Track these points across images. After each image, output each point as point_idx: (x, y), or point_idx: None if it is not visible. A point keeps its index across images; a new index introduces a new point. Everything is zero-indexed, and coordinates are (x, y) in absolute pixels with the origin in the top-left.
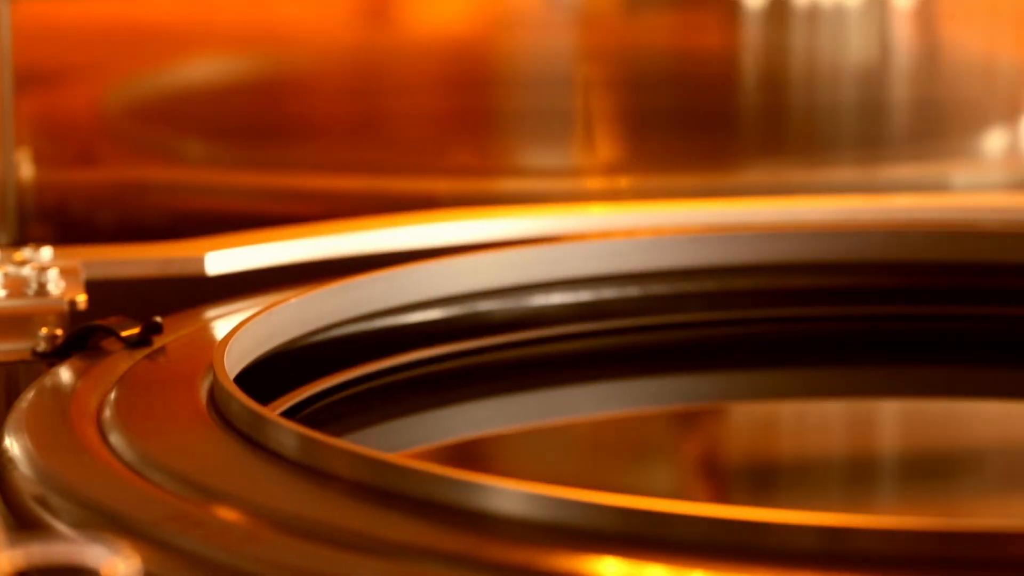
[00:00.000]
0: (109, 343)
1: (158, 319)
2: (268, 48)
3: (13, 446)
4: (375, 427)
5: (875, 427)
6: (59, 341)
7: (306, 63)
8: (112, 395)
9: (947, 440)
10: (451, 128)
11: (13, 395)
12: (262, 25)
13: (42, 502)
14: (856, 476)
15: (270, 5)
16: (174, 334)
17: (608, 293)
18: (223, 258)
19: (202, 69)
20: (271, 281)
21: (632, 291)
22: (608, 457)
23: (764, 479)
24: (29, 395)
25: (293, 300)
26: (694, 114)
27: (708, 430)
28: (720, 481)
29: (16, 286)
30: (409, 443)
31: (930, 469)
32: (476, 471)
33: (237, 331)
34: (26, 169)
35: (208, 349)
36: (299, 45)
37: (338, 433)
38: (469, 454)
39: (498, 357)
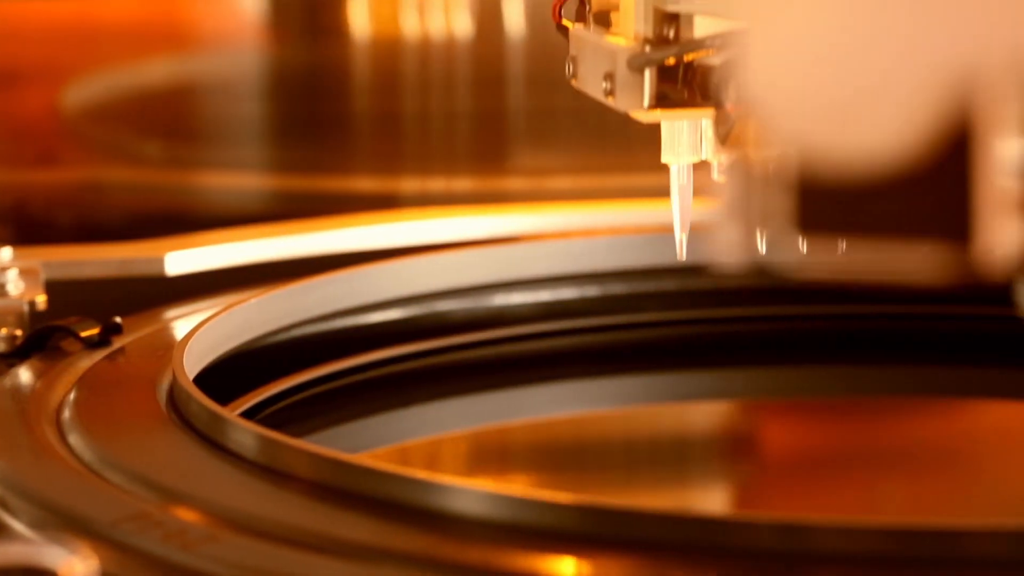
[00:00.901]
0: (68, 344)
1: (117, 319)
2: (226, 48)
3: None
4: (336, 427)
5: (836, 424)
6: (18, 341)
7: (265, 64)
8: (71, 396)
9: (914, 437)
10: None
11: None
12: (221, 25)
13: (0, 502)
14: (819, 473)
15: (233, 6)
16: (134, 334)
17: (568, 293)
18: (183, 258)
19: (161, 69)
20: (231, 281)
21: (591, 291)
22: (567, 457)
23: (725, 476)
24: None
25: (253, 300)
26: None
27: (668, 429)
28: (680, 479)
29: None
30: (370, 443)
31: (893, 466)
32: (436, 471)
33: (196, 331)
34: None
35: (168, 350)
36: (258, 46)
37: (298, 433)
38: (430, 454)
39: (458, 357)
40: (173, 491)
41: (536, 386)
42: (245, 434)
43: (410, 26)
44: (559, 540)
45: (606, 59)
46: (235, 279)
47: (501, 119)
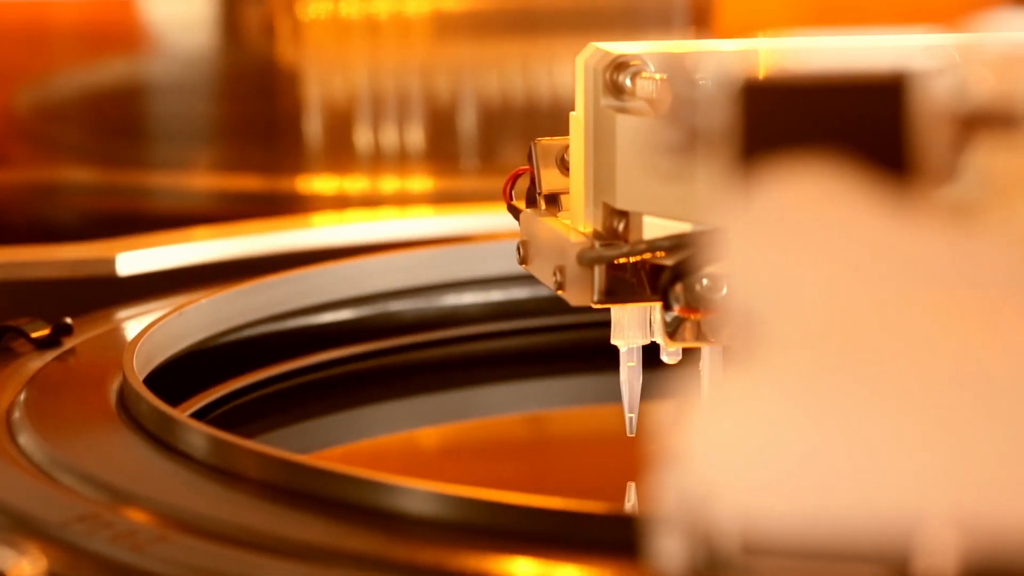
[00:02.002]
0: (19, 344)
1: (68, 320)
2: (181, 49)
3: None
4: (287, 428)
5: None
6: None
7: (222, 65)
8: (21, 396)
9: None
10: None
11: None
12: (176, 26)
13: None
14: None
15: (188, 6)
16: (84, 335)
17: (519, 293)
18: (134, 259)
19: (114, 70)
20: (182, 282)
21: (543, 290)
22: (519, 457)
23: None
24: None
25: (204, 301)
26: None
27: (620, 429)
28: (634, 479)
29: None
30: (321, 444)
31: None
32: (388, 471)
33: (147, 332)
34: None
35: (118, 350)
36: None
37: (250, 434)
38: (381, 454)
39: (409, 357)
40: (123, 492)
41: (488, 386)
42: (195, 435)
43: (359, 23)
44: (510, 540)
45: (556, 252)
46: (186, 279)
47: (453, 119)
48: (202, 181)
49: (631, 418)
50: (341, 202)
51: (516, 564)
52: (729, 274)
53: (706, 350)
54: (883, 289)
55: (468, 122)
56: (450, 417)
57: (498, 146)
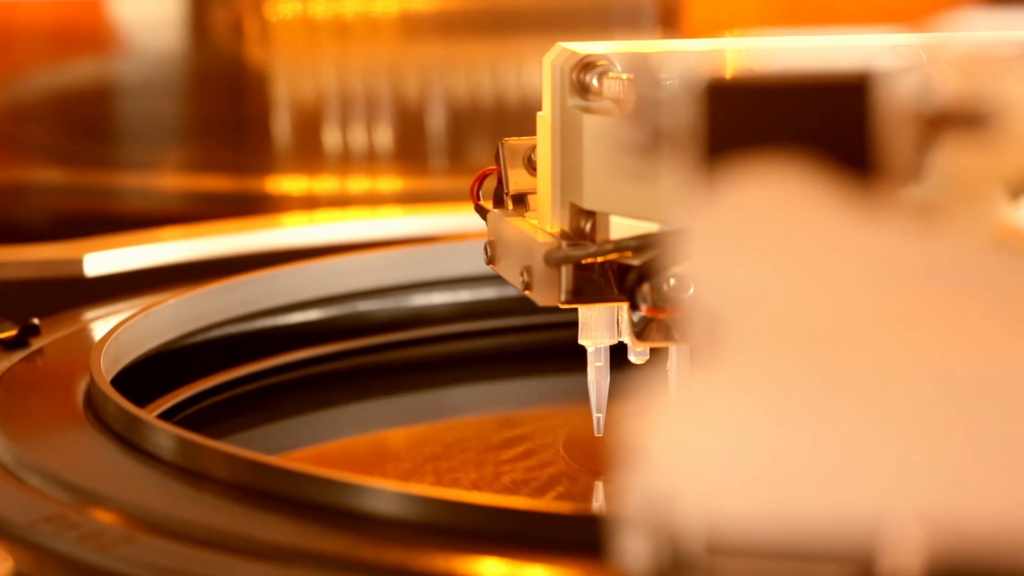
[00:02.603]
0: None
1: (35, 321)
2: (149, 49)
3: None
4: (256, 428)
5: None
6: None
7: (190, 65)
8: None
9: None
10: None
11: None
12: (145, 26)
13: None
14: None
15: (156, 6)
16: (52, 336)
17: (488, 293)
18: (102, 259)
19: (82, 70)
20: (150, 282)
21: (511, 291)
22: (487, 457)
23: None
24: None
25: (171, 301)
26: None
27: (588, 428)
28: (604, 479)
29: None
30: (291, 444)
31: None
32: (356, 472)
33: (114, 332)
34: None
35: (86, 351)
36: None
37: (219, 434)
38: (350, 455)
39: (378, 358)
40: (90, 492)
41: (456, 386)
42: (162, 435)
43: (327, 23)
44: (478, 541)
45: (524, 252)
46: (154, 280)
47: (421, 120)
48: (171, 181)
49: (599, 418)
50: (310, 202)
51: (483, 564)
52: (693, 274)
53: (673, 350)
54: (848, 289)
55: (437, 122)
56: (419, 417)
57: (467, 146)
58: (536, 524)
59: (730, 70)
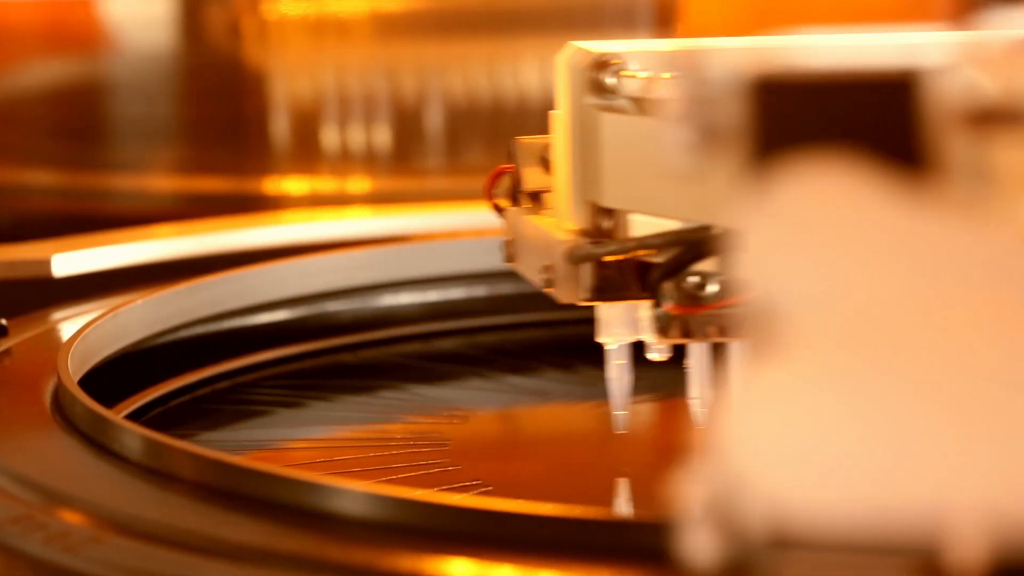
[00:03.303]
0: None
1: (3, 322)
2: (117, 49)
3: None
4: (224, 428)
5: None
6: None
7: (155, 65)
8: None
9: None
10: None
11: None
12: (112, 26)
13: None
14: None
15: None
16: (19, 336)
17: (456, 293)
18: (69, 260)
19: (48, 70)
20: (119, 282)
21: (480, 291)
22: (454, 456)
23: (613, 476)
24: None
25: (139, 302)
26: None
27: (555, 428)
28: (567, 479)
29: None
30: (258, 444)
31: None
32: (325, 472)
33: (82, 333)
34: None
35: (54, 352)
36: (148, 47)
37: (187, 435)
38: (317, 455)
39: (347, 358)
40: (57, 493)
41: (424, 386)
42: (129, 436)
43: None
44: (445, 541)
45: (544, 251)
46: (122, 280)
47: (418, 119)
48: (164, 183)
49: (619, 415)
50: (307, 203)
51: (451, 565)
52: (750, 270)
53: (694, 347)
54: (908, 282)
55: (434, 122)
56: (386, 417)
57: (464, 146)
58: (504, 524)
59: (777, 67)
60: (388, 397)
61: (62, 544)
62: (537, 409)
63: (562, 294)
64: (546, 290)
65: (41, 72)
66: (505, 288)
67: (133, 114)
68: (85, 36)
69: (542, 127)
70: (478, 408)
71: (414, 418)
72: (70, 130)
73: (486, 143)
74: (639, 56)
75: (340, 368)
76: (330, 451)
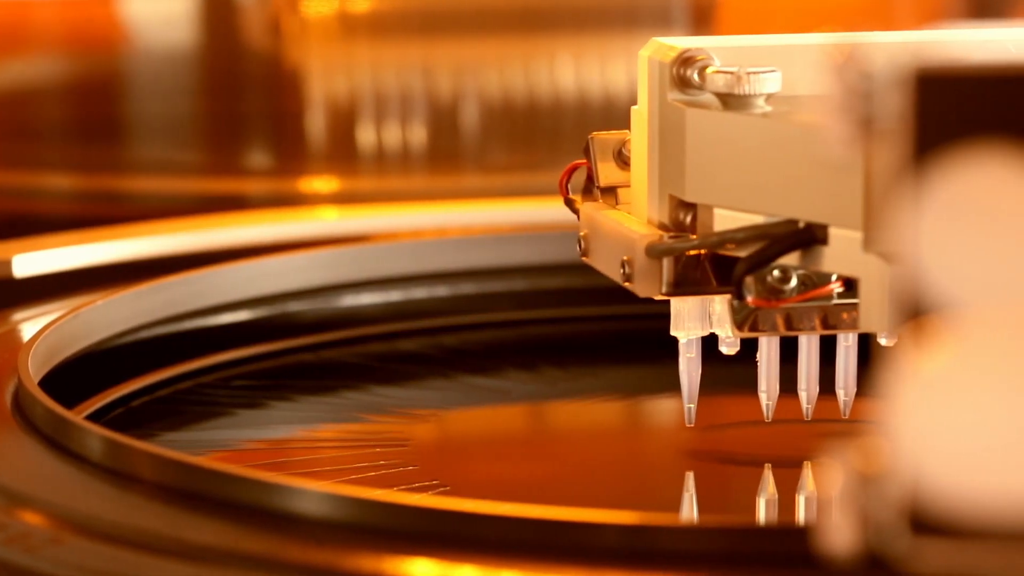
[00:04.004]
0: None
1: None
2: (93, 49)
3: None
4: (186, 429)
5: (677, 424)
6: None
7: (132, 65)
8: None
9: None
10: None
11: None
12: (88, 26)
13: None
14: (668, 473)
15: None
16: None
17: (418, 293)
18: (31, 260)
19: (15, 70)
20: (80, 283)
21: (441, 291)
22: (415, 457)
23: (575, 476)
24: None
25: (100, 302)
26: None
27: (516, 428)
28: (529, 479)
29: None
30: (220, 445)
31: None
32: (287, 472)
33: (43, 333)
34: None
35: (14, 352)
36: (128, 46)
37: (148, 435)
38: (280, 455)
39: (308, 358)
40: (17, 494)
41: (386, 386)
42: (90, 437)
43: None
44: (407, 541)
45: (623, 246)
46: (84, 281)
47: (350, 117)
48: (186, 184)
49: (690, 408)
50: (240, 203)
51: (412, 565)
52: (914, 262)
53: (764, 340)
54: None
55: (470, 120)
56: (347, 418)
57: (498, 144)
58: (467, 525)
59: (940, 61)
60: (349, 397)
61: (22, 545)
62: (498, 409)
63: (641, 288)
64: (625, 284)
65: (64, 70)
66: (467, 288)
67: (156, 113)
68: (105, 35)
69: (578, 125)
70: (439, 408)
71: (375, 418)
72: (88, 130)
73: (521, 141)
74: (722, 52)
75: (301, 368)
76: (291, 451)
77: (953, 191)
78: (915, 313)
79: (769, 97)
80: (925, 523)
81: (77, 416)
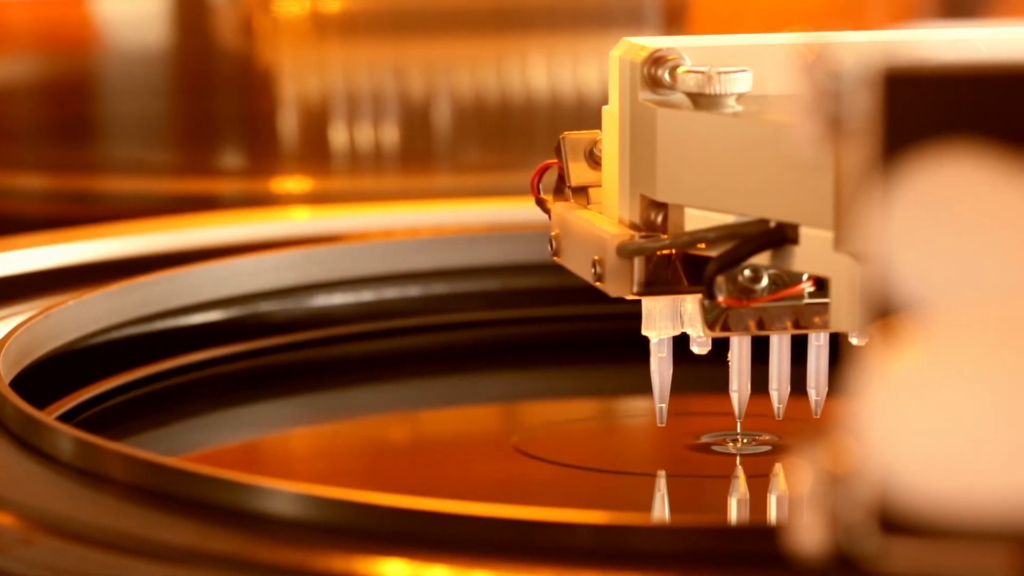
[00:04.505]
0: None
1: None
2: (65, 49)
3: None
4: (158, 430)
5: (648, 424)
6: None
7: (105, 65)
8: None
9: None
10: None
11: None
12: (60, 26)
13: None
14: (639, 473)
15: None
16: None
17: (390, 293)
18: (2, 260)
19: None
20: (52, 283)
21: (413, 290)
22: (387, 458)
23: (546, 476)
24: None
25: (72, 303)
26: None
27: (489, 429)
28: (502, 480)
29: None
30: (192, 445)
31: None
32: (259, 473)
33: (14, 334)
34: None
35: None
36: (100, 47)
37: (120, 436)
38: (253, 456)
39: (279, 358)
40: None
41: (358, 387)
42: (61, 437)
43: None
44: (377, 541)
45: (594, 245)
46: (56, 281)
47: (323, 117)
48: (159, 184)
49: (661, 408)
50: (211, 203)
51: (383, 565)
52: (883, 261)
53: (735, 340)
54: None
55: (442, 120)
56: (320, 418)
57: (471, 144)
58: (438, 524)
59: (909, 61)
60: (321, 397)
61: None
62: (470, 410)
63: (612, 288)
64: (596, 284)
65: (33, 70)
66: (439, 288)
67: (127, 113)
68: (77, 35)
69: (550, 125)
70: (411, 408)
71: (347, 418)
72: (60, 130)
73: (494, 141)
74: (693, 51)
75: (273, 369)
76: (263, 452)
77: (921, 190)
78: (884, 312)
79: (740, 97)
80: (894, 522)
81: (48, 416)
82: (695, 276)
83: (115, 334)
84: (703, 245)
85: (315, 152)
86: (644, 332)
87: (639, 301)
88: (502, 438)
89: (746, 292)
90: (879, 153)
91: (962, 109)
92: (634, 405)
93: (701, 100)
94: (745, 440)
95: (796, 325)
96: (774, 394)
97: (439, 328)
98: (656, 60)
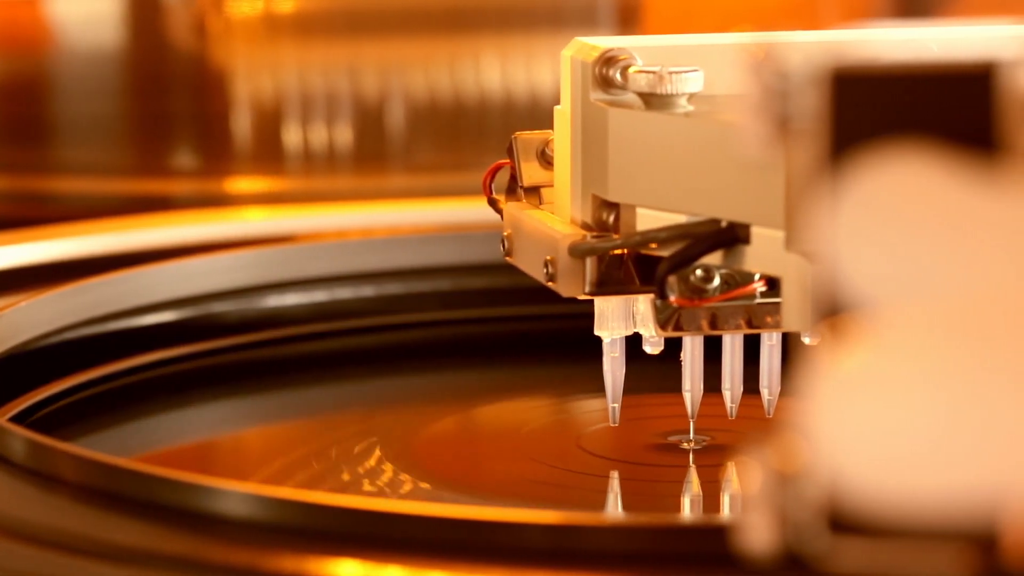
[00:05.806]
0: None
1: None
2: (17, 49)
3: None
4: (110, 430)
5: (600, 424)
6: None
7: (57, 65)
8: None
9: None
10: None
11: None
12: (12, 26)
13: None
14: (592, 472)
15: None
16: None
17: (343, 293)
18: None
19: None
20: (4, 284)
21: (367, 291)
22: (342, 458)
23: (504, 475)
24: None
25: (23, 304)
26: None
27: (443, 429)
28: (457, 479)
29: None
30: (145, 446)
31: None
32: (212, 473)
33: None
34: None
35: None
36: (52, 47)
37: (72, 437)
38: (205, 456)
39: (232, 358)
40: None
41: (311, 387)
42: (13, 438)
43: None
44: (329, 542)
45: (546, 245)
46: (8, 282)
47: (276, 117)
48: (112, 185)
49: (614, 408)
50: (164, 203)
51: (335, 566)
52: (831, 260)
53: (688, 340)
54: (991, 268)
55: (395, 120)
56: (273, 418)
57: (424, 144)
58: (391, 525)
59: (857, 60)
60: (274, 398)
61: None
62: (424, 409)
63: (564, 288)
64: (548, 284)
65: None
66: (392, 288)
67: (80, 114)
68: (30, 36)
69: (504, 125)
70: (364, 408)
71: (300, 419)
72: (13, 131)
73: (446, 141)
74: (644, 51)
75: (226, 369)
76: (216, 453)
77: (869, 190)
78: (832, 311)
79: (691, 97)
80: (843, 522)
81: (0, 417)
82: (647, 276)
83: (68, 335)
84: (655, 245)
85: (269, 152)
86: (597, 332)
87: (591, 301)
88: (456, 438)
89: (698, 292)
90: (827, 152)
91: (910, 109)
92: (587, 405)
93: (652, 100)
94: (696, 441)
95: (749, 324)
96: (727, 393)
97: (393, 328)
98: (607, 60)
